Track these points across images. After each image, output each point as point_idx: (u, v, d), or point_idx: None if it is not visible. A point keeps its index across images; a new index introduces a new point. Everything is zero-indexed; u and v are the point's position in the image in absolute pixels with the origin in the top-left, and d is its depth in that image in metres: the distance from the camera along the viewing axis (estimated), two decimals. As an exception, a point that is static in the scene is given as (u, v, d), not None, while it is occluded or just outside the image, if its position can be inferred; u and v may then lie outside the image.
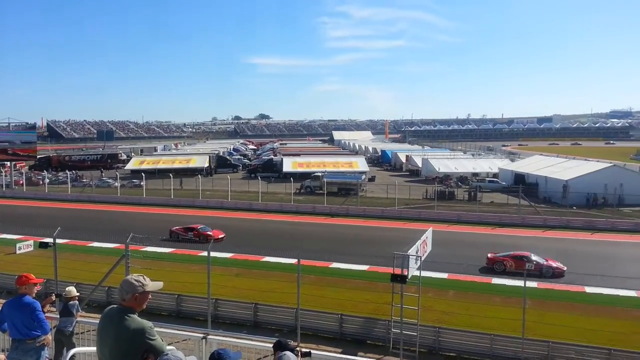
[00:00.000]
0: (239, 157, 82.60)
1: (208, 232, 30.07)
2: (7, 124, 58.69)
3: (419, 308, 15.31)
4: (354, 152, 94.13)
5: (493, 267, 23.88)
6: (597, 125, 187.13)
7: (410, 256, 16.17)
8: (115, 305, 3.96)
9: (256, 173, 58.59)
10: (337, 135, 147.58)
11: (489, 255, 24.45)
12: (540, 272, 22.78)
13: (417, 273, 16.19)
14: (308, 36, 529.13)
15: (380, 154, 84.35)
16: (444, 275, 22.27)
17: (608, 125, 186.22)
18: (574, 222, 34.44)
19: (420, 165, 62.68)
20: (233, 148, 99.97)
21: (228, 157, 76.96)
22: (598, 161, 53.98)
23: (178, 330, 8.56)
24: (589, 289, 20.57)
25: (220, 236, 30.10)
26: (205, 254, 18.20)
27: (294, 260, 17.72)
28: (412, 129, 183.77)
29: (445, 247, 25.45)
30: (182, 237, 29.59)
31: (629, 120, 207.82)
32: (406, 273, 15.59)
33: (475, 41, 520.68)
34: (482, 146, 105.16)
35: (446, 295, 20.39)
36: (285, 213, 39.76)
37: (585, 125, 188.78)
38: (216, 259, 20.94)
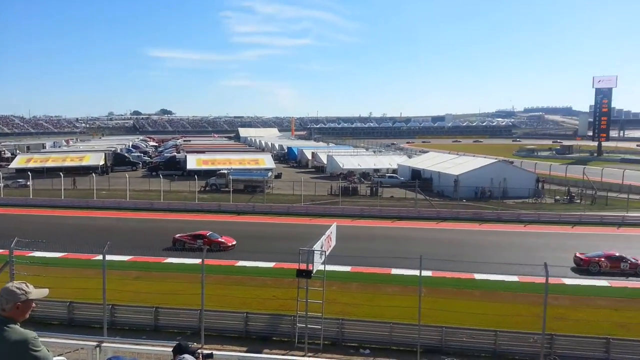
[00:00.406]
0: (139, 154, 78.73)
1: (219, 239, 27.57)
2: None
3: (323, 301, 15.58)
4: (261, 149, 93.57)
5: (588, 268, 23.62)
6: (484, 123, 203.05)
7: (315, 251, 16.42)
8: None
9: (158, 171, 56.24)
10: (244, 132, 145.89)
11: (580, 255, 24.21)
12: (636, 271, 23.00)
13: (321, 267, 16.46)
14: (213, 30, 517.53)
15: (286, 151, 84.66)
16: (348, 269, 22.88)
17: (494, 124, 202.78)
18: (463, 214, 37.10)
19: (325, 162, 63.85)
20: (132, 145, 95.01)
21: (126, 155, 73.19)
22: (485, 157, 58.55)
23: (69, 339, 7.98)
24: (477, 276, 22.23)
25: (232, 243, 27.61)
26: (100, 257, 17.07)
27: (197, 260, 17.18)
28: (318, 126, 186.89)
29: (349, 241, 26.21)
30: (188, 245, 26.45)
31: (512, 120, 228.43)
32: (311, 268, 15.81)
33: (375, 42, 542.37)
34: (383, 143, 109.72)
35: (350, 287, 20.95)
36: (190, 212, 38.53)
37: (474, 124, 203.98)
38: (113, 263, 19.80)
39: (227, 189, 44.60)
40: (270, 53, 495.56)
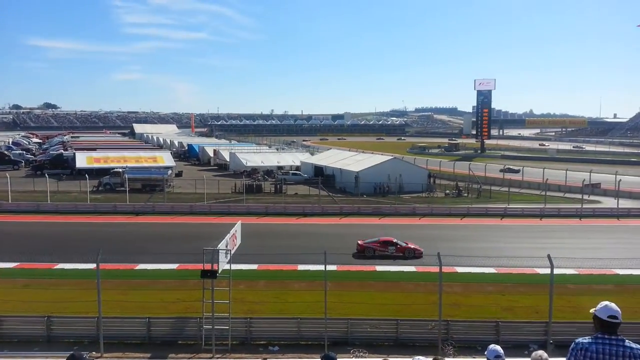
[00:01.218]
0: (21, 152, 72.02)
1: (410, 246, 26.06)
2: None
3: (230, 301, 15.37)
4: (159, 146, 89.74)
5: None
6: (380, 122, 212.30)
7: (220, 250, 16.11)
8: None
9: (43, 170, 51.69)
10: (139, 128, 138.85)
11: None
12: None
13: (227, 267, 16.20)
14: (100, 19, 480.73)
15: (186, 148, 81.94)
16: (255, 267, 22.76)
17: (389, 122, 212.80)
18: (364, 209, 38.57)
19: (228, 159, 62.80)
20: (12, 142, 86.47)
21: (6, 152, 66.48)
22: (382, 154, 61.29)
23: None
24: (379, 268, 23.26)
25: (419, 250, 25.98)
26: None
27: (92, 265, 16.08)
28: (219, 123, 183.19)
29: (255, 239, 26.04)
30: (379, 253, 25.49)
31: (405, 119, 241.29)
32: (216, 268, 15.50)
33: (273, 40, 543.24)
34: (285, 140, 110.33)
35: (257, 285, 20.88)
36: (82, 214, 35.86)
37: (371, 123, 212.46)
38: (-4, 271, 17.91)
39: (122, 189, 42.15)
40: (165, 46, 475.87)
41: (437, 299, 14.93)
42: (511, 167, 60.48)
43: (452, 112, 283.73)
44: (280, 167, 59.97)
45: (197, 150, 76.47)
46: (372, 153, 64.03)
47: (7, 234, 28.89)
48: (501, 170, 56.20)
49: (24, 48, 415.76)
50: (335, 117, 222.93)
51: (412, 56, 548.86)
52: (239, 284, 18.75)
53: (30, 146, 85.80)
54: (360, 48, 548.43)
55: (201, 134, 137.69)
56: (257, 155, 64.22)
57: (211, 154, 70.57)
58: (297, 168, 59.63)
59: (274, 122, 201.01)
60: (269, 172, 57.55)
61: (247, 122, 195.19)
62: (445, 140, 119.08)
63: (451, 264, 20.99)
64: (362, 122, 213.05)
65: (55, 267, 22.05)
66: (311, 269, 22.15)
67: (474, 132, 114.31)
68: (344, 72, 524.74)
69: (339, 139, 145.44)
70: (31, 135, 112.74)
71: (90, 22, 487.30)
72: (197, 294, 16.53)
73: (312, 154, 71.03)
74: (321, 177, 46.28)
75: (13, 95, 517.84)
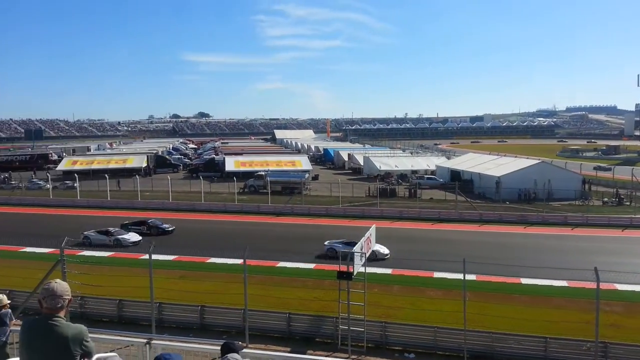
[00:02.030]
0: (179, 156, 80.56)
1: None
2: None
3: (365, 304, 15.51)
4: (297, 150, 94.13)
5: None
6: (525, 123, 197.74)
7: (355, 253, 16.36)
8: (39, 314, 3.71)
9: (198, 173, 57.21)
10: (279, 134, 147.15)
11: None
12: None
13: (362, 270, 16.39)
14: (247, 34, 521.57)
15: (322, 152, 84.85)
16: (389, 271, 22.70)
17: (535, 123, 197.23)
18: (507, 216, 36.17)
19: (362, 163, 63.62)
20: (172, 147, 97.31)
21: (167, 157, 74.94)
22: (527, 158, 56.99)
23: (120, 336, 8.19)
24: (524, 280, 21.63)
25: None
26: (146, 256, 17.56)
27: (239, 261, 17.38)
28: (353, 127, 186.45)
29: (389, 243, 26.02)
30: None
31: (554, 119, 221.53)
32: (352, 270, 15.77)
33: (408, 42, 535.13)
34: (420, 144, 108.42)
35: (391, 290, 20.77)
36: (230, 213, 39.12)
37: (514, 124, 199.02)
38: (159, 262, 20.29)
39: (265, 191, 45.05)
40: (303, 55, 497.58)
41: (591, 318, 13.47)
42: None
43: (611, 110, 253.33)
44: (414, 171, 59.09)
45: (332, 155, 78.67)
46: (515, 157, 59.91)
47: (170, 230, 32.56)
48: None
49: (182, 64, 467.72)
50: (474, 119, 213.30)
51: (561, 49, 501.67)
52: (374, 287, 18.85)
53: (187, 151, 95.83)
54: (500, 43, 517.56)
55: (336, 139, 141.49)
56: (390, 159, 64.09)
57: (345, 158, 72.10)
58: (433, 172, 58.18)
59: (407, 125, 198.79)
60: (403, 176, 57.05)
61: (381, 126, 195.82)
62: (603, 142, 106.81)
63: (610, 280, 18.72)
64: (504, 124, 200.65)
65: (207, 261, 24.33)
66: (448, 277, 21.46)
67: (637, 133, 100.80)
68: (482, 70, 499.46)
69: (472, 142, 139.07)
70: (188, 142, 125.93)
71: (238, 37, 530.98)
72: (333, 294, 16.99)
73: (448, 157, 68.81)
74: (458, 181, 44.51)
75: (173, 105, 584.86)
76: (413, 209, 38.59)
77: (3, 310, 9.90)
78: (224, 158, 65.83)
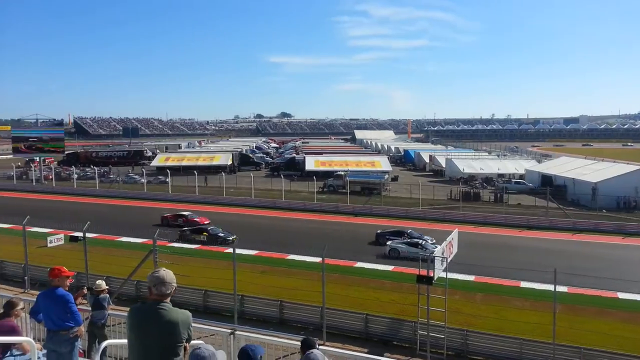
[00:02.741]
0: (262, 155, 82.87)
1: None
2: (35, 120, 60.25)
3: (445, 310, 15.09)
4: (376, 151, 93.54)
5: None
6: (625, 126, 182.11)
7: (436, 257, 15.95)
8: (148, 300, 3.92)
9: (279, 171, 58.62)
10: (359, 134, 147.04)
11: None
12: None
13: (443, 275, 15.95)
14: (328, 35, 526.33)
15: (402, 153, 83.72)
16: (471, 278, 21.92)
17: (637, 126, 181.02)
18: (603, 225, 33.58)
19: (444, 165, 61.97)
20: (255, 146, 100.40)
21: (251, 155, 77.16)
22: (628, 163, 52.54)
23: (206, 325, 8.55)
24: (621, 295, 19.97)
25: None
26: (230, 250, 18.31)
27: (318, 259, 17.65)
28: (435, 128, 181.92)
29: (471, 248, 25.11)
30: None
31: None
32: (432, 274, 15.39)
33: (496, 41, 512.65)
34: (507, 147, 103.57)
35: (474, 297, 20.07)
36: (309, 211, 39.73)
37: (613, 127, 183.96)
38: (241, 256, 21.07)
39: (344, 190, 45.25)
40: (385, 55, 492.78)
41: None
42: None
43: None
44: (500, 175, 56.54)
45: (413, 156, 77.34)
46: (614, 162, 55.42)
47: (250, 226, 33.74)
48: None
49: (266, 65, 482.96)
50: (568, 120, 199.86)
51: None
52: (455, 294, 18.31)
53: (269, 150, 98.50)
54: (597, 41, 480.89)
55: (417, 140, 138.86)
56: (475, 162, 61.81)
57: (427, 159, 70.60)
58: (521, 177, 55.34)
59: (494, 126, 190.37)
60: (488, 180, 54.80)
61: (465, 127, 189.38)
62: None
63: None
64: (602, 126, 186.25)
65: (287, 258, 24.88)
66: (536, 287, 20.37)
67: None
68: (577, 70, 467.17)
69: (555, 145, 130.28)
70: (270, 141, 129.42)
71: (321, 39, 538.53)
72: (411, 298, 16.72)
73: (539, 161, 65.11)
74: (550, 187, 41.98)
75: (257, 106, 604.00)
76: (498, 214, 36.96)
77: (102, 295, 10.80)
78: (304, 157, 66.93)
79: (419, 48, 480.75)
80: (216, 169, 60.13)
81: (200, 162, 66.46)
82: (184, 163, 66.04)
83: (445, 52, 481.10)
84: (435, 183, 51.94)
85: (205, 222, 32.37)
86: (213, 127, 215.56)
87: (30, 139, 58.99)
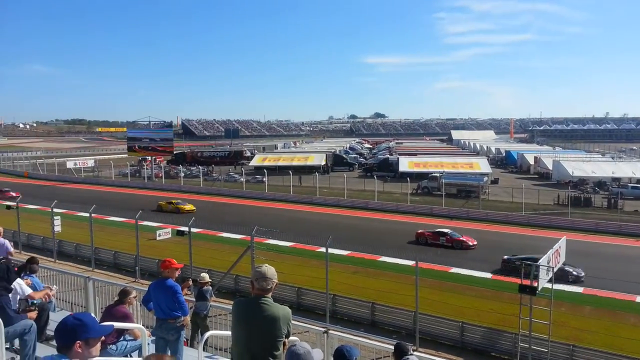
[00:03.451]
0: (355, 155, 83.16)
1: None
2: (147, 122, 65.57)
3: (550, 323, 14.10)
4: (475, 152, 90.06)
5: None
6: None
7: (541, 266, 14.99)
8: (251, 295, 4.08)
9: (372, 172, 58.47)
10: (456, 134, 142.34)
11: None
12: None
13: (548, 285, 14.93)
14: (425, 33, 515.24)
15: (504, 154, 79.76)
16: (579, 289, 20.35)
17: None
18: None
19: (550, 167, 58.04)
20: (349, 147, 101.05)
21: (344, 156, 77.78)
22: None
23: (300, 322, 8.77)
24: None
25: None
26: (323, 249, 18.59)
27: (411, 262, 17.34)
28: (541, 128, 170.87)
29: (580, 258, 23.32)
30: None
31: None
32: (536, 284, 14.48)
33: (611, 33, 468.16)
34: (624, 148, 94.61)
35: (582, 311, 18.62)
36: (402, 213, 39.22)
37: None
38: (333, 256, 21.29)
39: (439, 193, 44.08)
40: (485, 51, 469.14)
41: None
42: None
43: None
44: (615, 179, 51.79)
45: (516, 157, 73.41)
46: None
47: (342, 226, 34.02)
48: None
49: (360, 66, 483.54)
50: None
51: None
52: (560, 306, 17.12)
53: (362, 151, 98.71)
54: None
55: (520, 140, 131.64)
56: (586, 164, 57.21)
57: (531, 161, 66.65)
58: (639, 181, 50.27)
59: (608, 126, 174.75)
60: (600, 184, 50.46)
61: (575, 126, 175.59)
62: None
63: None
64: None
65: (379, 259, 24.76)
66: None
67: None
68: None
69: None
70: (363, 142, 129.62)
71: (416, 37, 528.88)
72: (511, 308, 15.89)
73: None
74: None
75: (351, 106, 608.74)
76: (612, 221, 33.91)
77: (205, 287, 11.51)
78: (398, 158, 66.20)
79: (523, 42, 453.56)
80: (310, 169, 61.43)
81: (295, 162, 68.24)
82: (280, 163, 68.27)
83: (551, 46, 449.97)
84: (541, 187, 48.79)
85: (472, 243, 28.67)
86: (308, 128, 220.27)
87: (143, 140, 64.48)
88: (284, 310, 3.96)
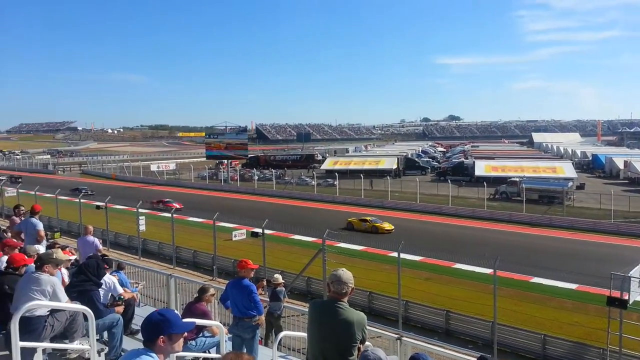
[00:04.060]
0: (428, 159, 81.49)
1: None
2: (224, 127, 68.16)
3: (644, 340, 13.05)
4: (558, 156, 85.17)
5: None
6: None
7: (633, 278, 13.88)
8: (326, 298, 4.10)
9: (446, 176, 57.32)
10: (538, 137, 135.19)
11: None
12: None
13: (640, 299, 13.81)
14: (503, 32, 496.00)
15: (590, 158, 74.83)
16: (678, 306, 18.58)
17: None
18: None
19: (642, 172, 53.75)
20: (421, 150, 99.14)
21: (416, 159, 76.55)
22: None
23: (372, 327, 8.71)
24: None
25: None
26: (395, 254, 18.36)
27: (488, 270, 16.72)
28: (632, 130, 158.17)
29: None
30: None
31: None
32: (627, 297, 13.43)
33: None
34: None
35: (681, 329, 16.96)
36: (478, 219, 37.90)
37: None
38: (406, 261, 20.90)
39: (518, 198, 42.13)
40: (568, 50, 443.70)
41: None
42: None
43: None
44: None
45: (603, 161, 68.66)
46: None
47: (413, 231, 33.41)
48: None
49: (433, 67, 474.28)
50: None
51: None
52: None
53: (435, 154, 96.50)
54: None
55: (609, 143, 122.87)
56: (685, 169, 52.38)
57: (621, 165, 62.06)
58: None
59: None
60: None
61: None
62: None
63: None
64: None
65: (453, 266, 24.04)
66: None
67: None
68: None
69: None
70: (436, 145, 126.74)
71: (492, 36, 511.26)
72: (598, 322, 14.90)
73: None
74: None
75: (423, 109, 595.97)
76: None
77: (278, 288, 11.75)
78: (474, 162, 64.04)
79: (610, 39, 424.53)
80: (381, 173, 60.86)
81: (366, 166, 68.05)
82: (351, 167, 68.41)
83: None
84: (632, 193, 45.29)
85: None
86: (379, 131, 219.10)
87: (220, 144, 67.16)
88: (358, 316, 3.94)
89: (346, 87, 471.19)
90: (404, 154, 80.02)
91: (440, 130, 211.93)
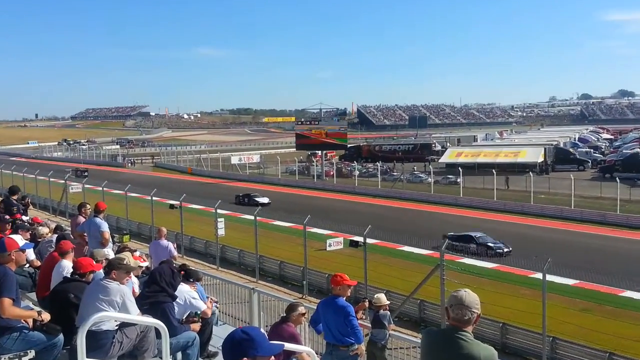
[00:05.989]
0: (588, 150, 77.85)
1: None
2: (318, 110, 69.51)
3: None
4: None
5: None
6: None
7: None
8: (445, 326, 4.08)
9: (613, 172, 54.89)
10: None
11: None
12: None
13: None
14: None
15: None
16: None
17: None
18: None
19: None
20: (578, 138, 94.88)
21: (571, 150, 74.21)
22: None
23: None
24: None
25: None
26: (538, 275, 17.67)
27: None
28: None
29: None
30: None
31: None
32: None
33: None
34: None
35: None
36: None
37: None
38: (555, 285, 20.18)
39: None
40: None
41: None
42: None
43: None
44: None
45: None
46: None
47: (565, 245, 31.79)
48: None
49: (597, 25, 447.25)
50: None
51: None
52: None
53: (598, 143, 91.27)
54: None
55: None
56: None
57: None
58: None
59: None
60: None
61: None
62: None
63: None
64: None
65: (620, 294, 22.61)
66: None
67: None
68: None
69: None
70: (600, 130, 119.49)
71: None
72: None
73: None
74: None
75: (582, 83, 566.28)
76: None
77: (382, 311, 11.80)
78: (656, 153, 59.81)
79: None
80: (522, 168, 59.04)
81: (501, 159, 66.70)
82: (480, 159, 67.17)
83: None
84: None
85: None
86: (519, 113, 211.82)
87: (313, 132, 68.56)
88: (486, 351, 3.80)
89: (473, 56, 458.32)
90: (554, 143, 77.58)
91: (605, 110, 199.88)
